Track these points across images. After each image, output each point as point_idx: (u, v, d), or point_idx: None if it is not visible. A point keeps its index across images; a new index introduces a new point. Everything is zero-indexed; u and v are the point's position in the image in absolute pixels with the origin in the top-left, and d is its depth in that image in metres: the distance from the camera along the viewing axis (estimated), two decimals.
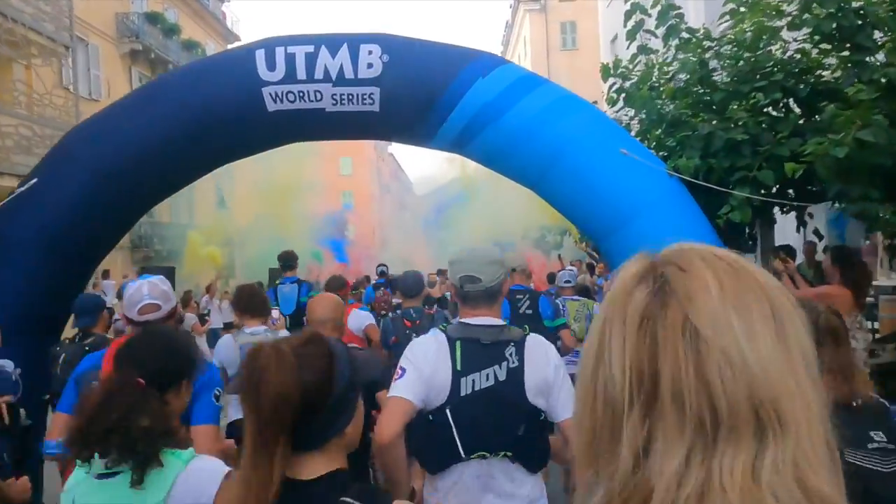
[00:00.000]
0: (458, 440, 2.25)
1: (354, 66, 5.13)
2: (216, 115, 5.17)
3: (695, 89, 6.17)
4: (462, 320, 2.41)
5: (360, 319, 5.73)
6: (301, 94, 5.16)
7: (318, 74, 5.14)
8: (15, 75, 15.17)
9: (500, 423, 2.26)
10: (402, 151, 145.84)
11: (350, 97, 5.17)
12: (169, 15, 24.21)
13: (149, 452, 1.71)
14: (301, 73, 5.14)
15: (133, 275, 14.66)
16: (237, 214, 21.93)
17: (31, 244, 5.19)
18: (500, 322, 2.41)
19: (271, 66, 5.14)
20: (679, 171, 5.11)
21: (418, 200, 37.51)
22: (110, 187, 5.26)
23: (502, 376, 2.26)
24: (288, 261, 7.72)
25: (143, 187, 5.41)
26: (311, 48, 5.16)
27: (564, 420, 2.30)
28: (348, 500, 1.36)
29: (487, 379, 2.26)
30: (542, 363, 2.31)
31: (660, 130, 6.23)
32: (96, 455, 1.72)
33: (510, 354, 2.28)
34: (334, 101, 5.18)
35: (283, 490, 1.34)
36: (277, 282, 7.70)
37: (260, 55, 5.18)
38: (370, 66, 5.14)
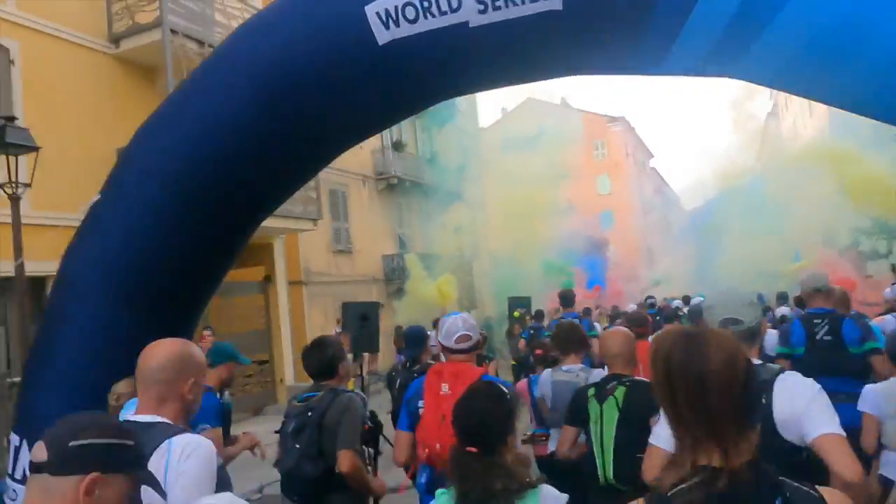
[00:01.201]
0: None
1: None
2: (298, 67, 3.18)
3: None
4: None
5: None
6: (426, 6, 2.94)
7: None
8: None
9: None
10: (664, 163, 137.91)
11: None
12: None
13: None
14: None
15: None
16: (485, 240, 21.38)
17: (96, 289, 3.70)
18: (757, 362, 2.50)
19: None
20: None
21: (687, 216, 34.22)
22: (189, 200, 3.57)
23: None
24: (567, 299, 9.15)
25: (230, 195, 3.61)
26: None
27: (815, 437, 2.26)
28: (782, 478, 1.43)
29: None
30: (790, 399, 2.37)
31: None
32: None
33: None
34: (482, 7, 2.86)
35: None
36: (560, 317, 8.82)
37: None
38: None
